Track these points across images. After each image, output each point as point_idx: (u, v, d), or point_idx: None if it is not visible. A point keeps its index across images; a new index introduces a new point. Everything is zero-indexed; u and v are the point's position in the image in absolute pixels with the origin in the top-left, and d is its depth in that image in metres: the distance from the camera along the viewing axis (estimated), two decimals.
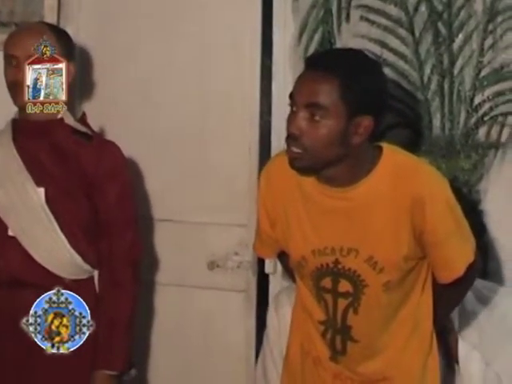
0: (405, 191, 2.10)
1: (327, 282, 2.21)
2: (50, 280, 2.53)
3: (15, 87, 2.58)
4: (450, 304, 2.32)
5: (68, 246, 2.59)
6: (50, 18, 3.06)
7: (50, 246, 2.60)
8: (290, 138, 2.09)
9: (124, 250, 2.63)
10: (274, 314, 2.66)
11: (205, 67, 3.05)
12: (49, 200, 2.59)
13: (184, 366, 3.13)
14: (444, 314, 2.32)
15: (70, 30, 2.86)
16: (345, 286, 2.19)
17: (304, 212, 2.20)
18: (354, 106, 2.05)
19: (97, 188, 2.61)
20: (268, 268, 2.94)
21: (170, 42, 3.09)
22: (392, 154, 2.15)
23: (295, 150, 2.09)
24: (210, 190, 3.07)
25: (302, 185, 2.19)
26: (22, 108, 2.60)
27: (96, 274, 2.65)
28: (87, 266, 2.63)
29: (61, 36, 2.65)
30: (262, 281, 2.99)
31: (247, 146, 3.00)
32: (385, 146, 2.17)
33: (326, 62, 2.10)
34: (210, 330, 3.09)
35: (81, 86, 3.13)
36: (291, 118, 2.10)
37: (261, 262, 2.95)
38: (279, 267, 2.86)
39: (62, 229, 2.59)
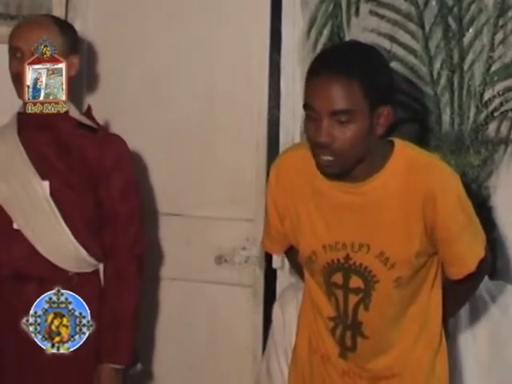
0: (417, 186, 2.09)
1: (338, 278, 2.20)
2: (55, 273, 2.56)
3: (19, 79, 2.57)
4: (460, 300, 2.31)
5: (72, 238, 2.60)
6: (58, 11, 3.04)
7: (54, 239, 2.60)
8: (319, 147, 2.06)
9: (128, 244, 2.64)
10: (279, 311, 2.66)
11: (213, 62, 3.04)
12: (53, 193, 2.60)
13: (190, 360, 3.13)
14: (453, 311, 2.32)
15: (78, 24, 2.86)
16: (356, 281, 2.18)
17: (315, 207, 2.19)
18: (375, 100, 2.04)
19: (101, 181, 2.62)
20: (276, 263, 2.94)
21: (178, 36, 3.08)
22: (404, 149, 2.14)
23: (327, 158, 2.06)
24: (218, 184, 3.06)
25: (312, 180, 2.18)
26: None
27: (101, 267, 2.66)
28: (92, 259, 2.63)
29: (65, 29, 2.64)
30: (270, 276, 2.98)
31: (255, 141, 2.99)
32: (396, 140, 2.16)
33: (338, 64, 2.05)
34: (216, 325, 3.09)
35: (88, 79, 3.13)
36: (316, 128, 2.05)
37: (268, 257, 2.94)
38: (287, 262, 2.85)
39: (66, 222, 2.59)
